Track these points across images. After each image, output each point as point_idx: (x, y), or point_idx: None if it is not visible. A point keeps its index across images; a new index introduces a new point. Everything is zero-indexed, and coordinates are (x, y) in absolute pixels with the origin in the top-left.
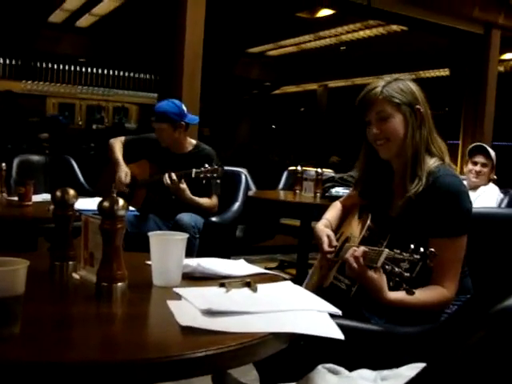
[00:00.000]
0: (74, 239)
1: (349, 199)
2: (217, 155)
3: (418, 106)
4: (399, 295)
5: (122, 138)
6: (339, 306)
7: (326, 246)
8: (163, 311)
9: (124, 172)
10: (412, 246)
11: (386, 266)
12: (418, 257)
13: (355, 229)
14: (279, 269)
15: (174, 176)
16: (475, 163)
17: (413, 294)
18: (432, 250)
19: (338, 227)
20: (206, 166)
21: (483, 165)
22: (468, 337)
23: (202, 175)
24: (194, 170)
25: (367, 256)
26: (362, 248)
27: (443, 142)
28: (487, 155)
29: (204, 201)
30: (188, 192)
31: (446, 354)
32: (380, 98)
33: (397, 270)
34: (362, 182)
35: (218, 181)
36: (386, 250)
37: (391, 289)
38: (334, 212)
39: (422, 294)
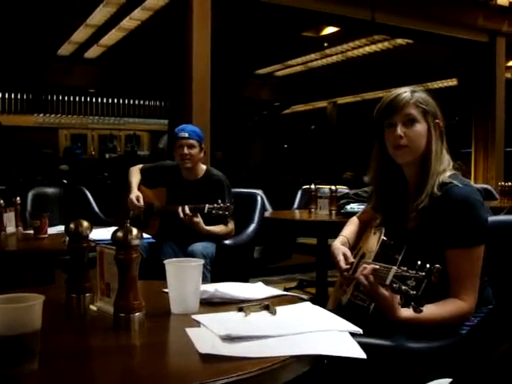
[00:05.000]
0: (91, 270)
1: (365, 214)
2: (227, 178)
3: (437, 120)
4: (412, 313)
5: (140, 166)
6: (359, 324)
7: (342, 264)
8: (182, 339)
9: (135, 195)
10: (419, 263)
11: (394, 285)
12: (423, 274)
13: (371, 244)
14: (299, 288)
15: (187, 210)
16: None
17: (420, 312)
18: (437, 265)
19: (356, 243)
20: (219, 201)
21: None
22: (493, 350)
23: (213, 212)
24: (206, 206)
25: (377, 273)
26: (372, 265)
27: (448, 151)
28: None
29: (220, 229)
30: (202, 224)
31: (471, 368)
32: (411, 102)
33: (403, 288)
34: (375, 195)
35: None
36: (394, 267)
37: (402, 306)
38: (351, 228)
39: (439, 309)
